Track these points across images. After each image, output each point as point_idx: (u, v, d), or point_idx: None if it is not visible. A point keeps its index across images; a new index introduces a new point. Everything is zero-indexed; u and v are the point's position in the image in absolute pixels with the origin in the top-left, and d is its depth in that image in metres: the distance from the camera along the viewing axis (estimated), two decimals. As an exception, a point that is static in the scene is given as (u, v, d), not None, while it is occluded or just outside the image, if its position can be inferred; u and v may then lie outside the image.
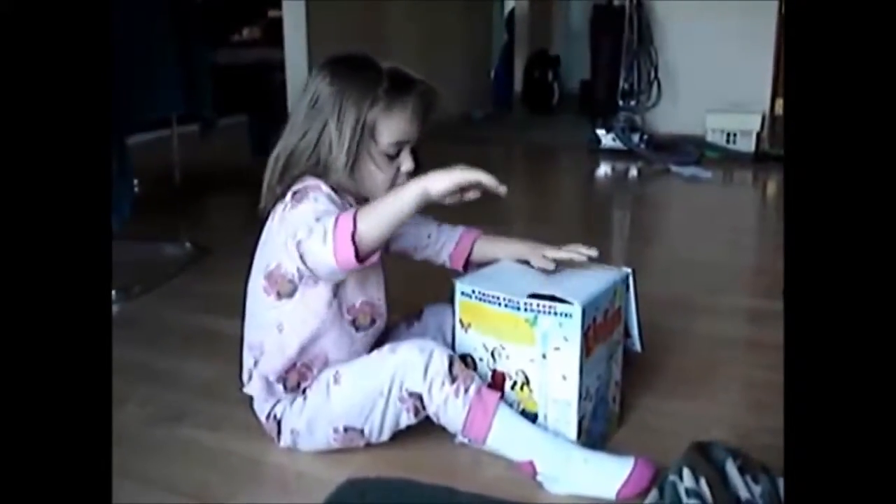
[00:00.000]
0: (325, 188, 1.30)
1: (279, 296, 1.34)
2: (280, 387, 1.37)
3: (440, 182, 1.20)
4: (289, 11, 4.11)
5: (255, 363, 1.40)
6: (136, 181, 2.55)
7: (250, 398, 1.42)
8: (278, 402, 1.38)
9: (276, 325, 1.35)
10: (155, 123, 2.93)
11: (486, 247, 1.54)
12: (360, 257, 1.18)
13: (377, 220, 1.19)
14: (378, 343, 1.46)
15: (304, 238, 1.21)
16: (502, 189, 1.24)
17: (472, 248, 1.54)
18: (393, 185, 1.34)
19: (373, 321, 1.41)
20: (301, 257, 1.22)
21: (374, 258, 1.22)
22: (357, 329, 1.38)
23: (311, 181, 1.31)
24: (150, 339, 1.93)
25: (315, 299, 1.33)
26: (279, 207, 1.32)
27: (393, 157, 1.33)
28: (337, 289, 1.34)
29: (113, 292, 2.14)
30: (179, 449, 1.43)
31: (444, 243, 1.55)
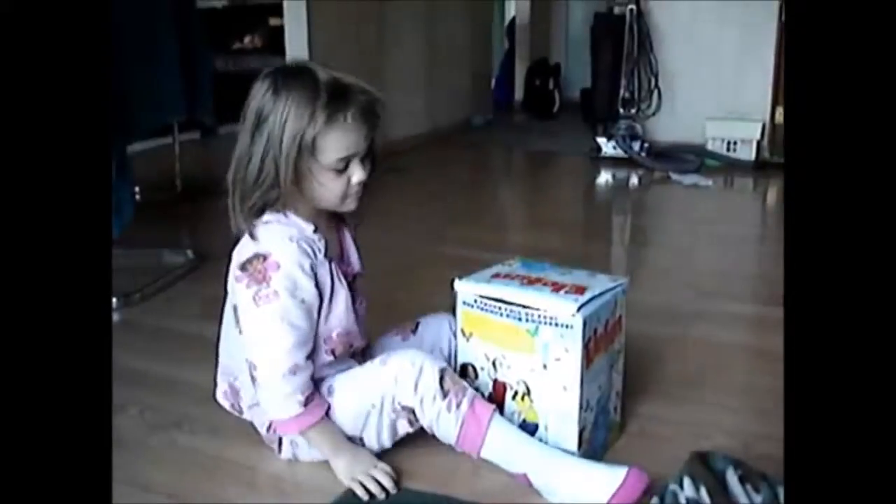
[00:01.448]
0: (288, 233, 1.28)
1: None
2: None
3: (340, 472, 1.32)
4: (290, 19, 4.11)
5: (230, 387, 1.41)
6: (137, 188, 2.56)
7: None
8: None
9: (245, 359, 1.33)
10: (156, 131, 2.93)
11: None
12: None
13: (317, 437, 1.32)
14: (370, 353, 1.46)
15: (266, 371, 1.28)
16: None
17: None
18: (345, 196, 1.30)
19: (350, 345, 1.40)
20: (252, 369, 1.30)
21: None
22: (336, 357, 1.37)
23: (272, 221, 1.29)
24: (151, 345, 1.93)
25: None
26: (239, 251, 1.31)
27: (341, 171, 1.28)
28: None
29: (113, 299, 2.14)
30: (178, 455, 1.43)
31: None
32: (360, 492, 1.27)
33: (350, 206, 1.33)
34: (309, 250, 1.29)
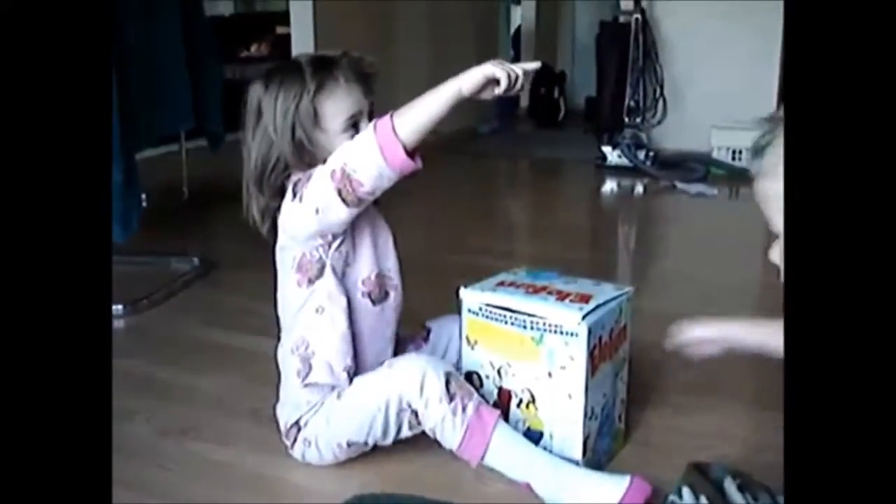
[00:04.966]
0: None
1: (310, 281, 1.36)
2: (343, 374, 1.36)
3: (472, 80, 1.22)
4: (297, 27, 4.14)
5: (302, 361, 1.39)
6: (143, 195, 2.58)
7: (274, 405, 1.45)
8: (308, 411, 1.38)
9: (315, 308, 1.35)
10: (163, 138, 2.95)
11: None
12: (409, 153, 1.24)
13: (415, 119, 1.23)
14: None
15: (339, 164, 1.25)
16: (533, 66, 1.28)
17: None
18: None
19: (386, 293, 1.42)
20: (340, 179, 1.24)
21: (419, 163, 1.26)
22: (373, 303, 1.40)
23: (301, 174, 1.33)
24: (158, 352, 1.94)
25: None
26: (284, 203, 1.34)
27: (352, 135, 1.31)
28: (347, 260, 1.36)
29: (121, 306, 2.16)
30: (186, 462, 1.44)
31: None
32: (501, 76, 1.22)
33: None
34: None
